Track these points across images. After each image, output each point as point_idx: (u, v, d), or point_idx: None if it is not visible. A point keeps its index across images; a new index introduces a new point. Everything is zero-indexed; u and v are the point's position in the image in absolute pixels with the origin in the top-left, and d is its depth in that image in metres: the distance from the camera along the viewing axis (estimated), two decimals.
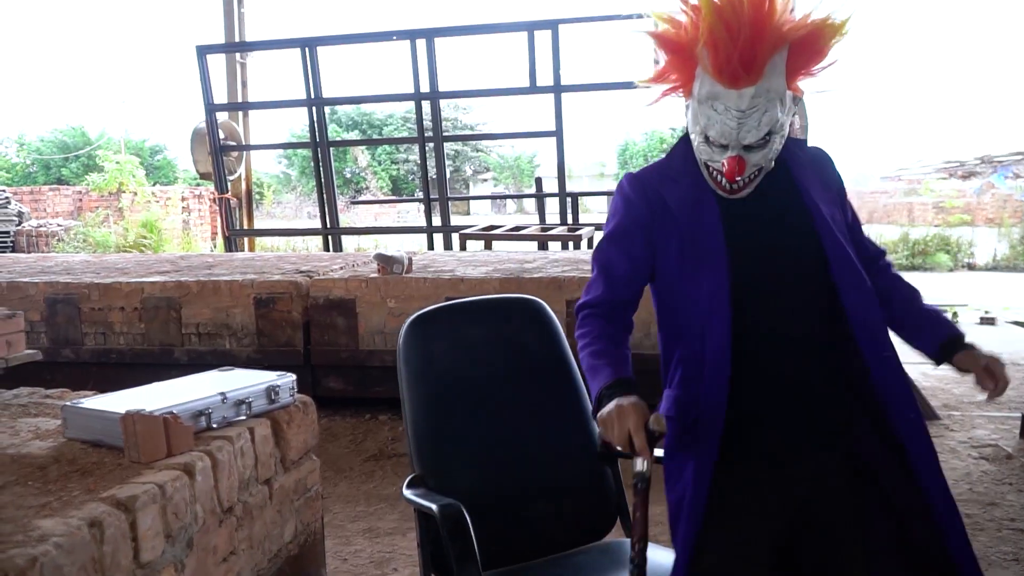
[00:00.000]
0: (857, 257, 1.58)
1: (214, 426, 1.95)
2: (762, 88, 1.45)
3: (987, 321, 8.48)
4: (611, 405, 1.50)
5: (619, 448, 1.50)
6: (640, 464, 1.48)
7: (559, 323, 2.12)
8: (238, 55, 10.50)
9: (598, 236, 1.64)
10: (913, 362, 6.23)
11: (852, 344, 1.56)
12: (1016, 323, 8.38)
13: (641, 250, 1.64)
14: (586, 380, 1.66)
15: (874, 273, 1.66)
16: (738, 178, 1.52)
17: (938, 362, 1.66)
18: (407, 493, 1.86)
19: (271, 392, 2.13)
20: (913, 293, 1.71)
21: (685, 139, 1.66)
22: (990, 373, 1.58)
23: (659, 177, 1.65)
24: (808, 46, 1.48)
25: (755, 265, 1.55)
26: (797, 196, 1.60)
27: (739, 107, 1.46)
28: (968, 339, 1.65)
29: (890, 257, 1.76)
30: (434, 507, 1.69)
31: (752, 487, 1.57)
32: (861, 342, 1.56)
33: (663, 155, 1.73)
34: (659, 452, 1.60)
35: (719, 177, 1.56)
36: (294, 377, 2.21)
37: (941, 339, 1.66)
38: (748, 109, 1.46)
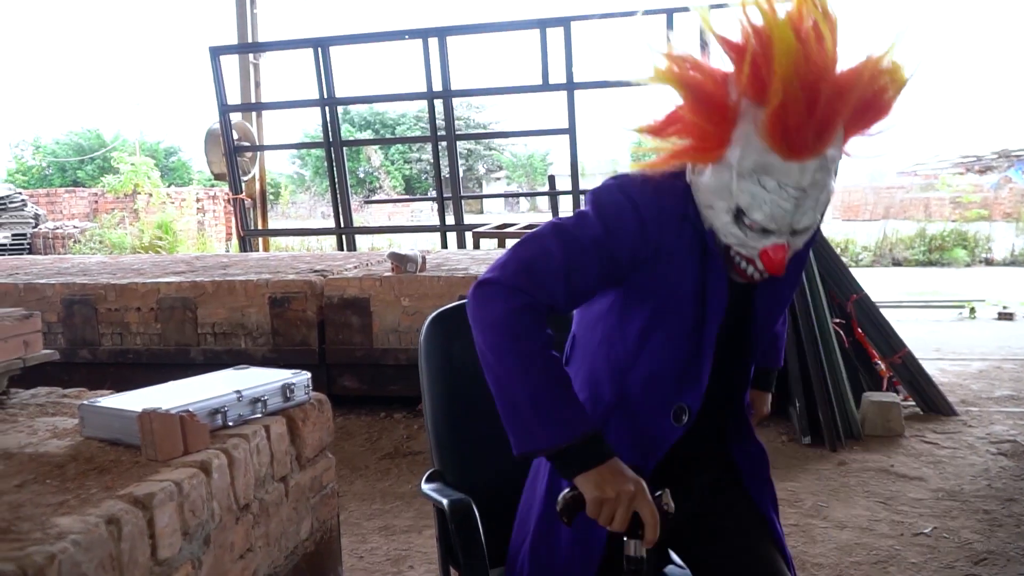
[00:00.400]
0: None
1: (230, 424, 1.96)
2: (826, 159, 1.17)
3: (1005, 316, 8.41)
4: (619, 482, 1.20)
5: (605, 525, 1.22)
6: (635, 548, 1.23)
7: None
8: (251, 56, 10.55)
9: None
10: (930, 358, 6.18)
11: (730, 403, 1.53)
12: None
13: (614, 280, 1.35)
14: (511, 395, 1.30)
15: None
16: None
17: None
18: (425, 488, 1.87)
19: (286, 390, 2.13)
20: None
21: (683, 183, 1.33)
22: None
23: (670, 213, 1.31)
24: (873, 102, 1.18)
25: (724, 336, 1.38)
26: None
27: (800, 184, 1.17)
28: (770, 379, 1.72)
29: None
30: (444, 501, 1.71)
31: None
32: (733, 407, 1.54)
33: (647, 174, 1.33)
34: None
35: (746, 266, 1.29)
36: (309, 375, 2.22)
37: (760, 367, 1.67)
38: (809, 186, 1.18)
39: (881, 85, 1.17)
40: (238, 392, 2.00)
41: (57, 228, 15.90)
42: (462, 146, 28.47)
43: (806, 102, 1.11)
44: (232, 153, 9.91)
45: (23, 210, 15.93)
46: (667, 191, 1.31)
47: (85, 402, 1.95)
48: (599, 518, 1.21)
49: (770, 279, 1.33)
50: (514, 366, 1.27)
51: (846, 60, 1.16)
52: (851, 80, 1.14)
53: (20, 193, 16.74)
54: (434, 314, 1.95)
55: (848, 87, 1.13)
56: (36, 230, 15.79)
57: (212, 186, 19.35)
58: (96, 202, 18.84)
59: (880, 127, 1.22)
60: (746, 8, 1.16)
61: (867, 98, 1.17)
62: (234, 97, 10.29)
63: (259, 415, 2.05)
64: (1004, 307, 8.78)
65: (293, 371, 2.22)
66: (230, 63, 10.24)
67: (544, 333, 1.29)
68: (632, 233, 1.29)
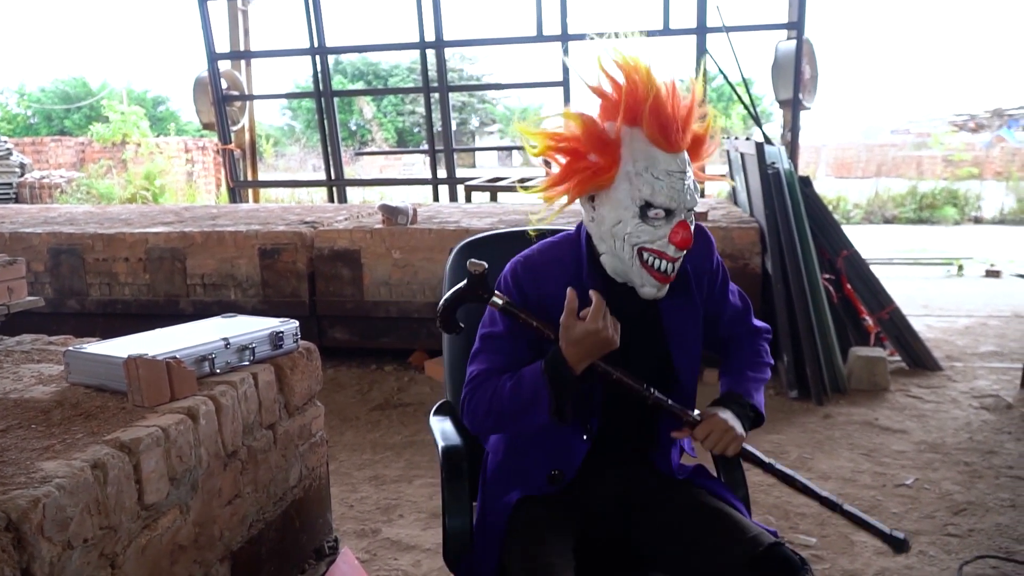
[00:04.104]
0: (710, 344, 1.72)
1: (217, 371, 1.95)
2: (685, 156, 1.51)
3: (992, 274, 8.46)
4: (576, 338, 1.43)
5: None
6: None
7: None
8: (239, 1, 10.34)
9: None
10: (917, 314, 6.22)
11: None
12: (1021, 276, 8.34)
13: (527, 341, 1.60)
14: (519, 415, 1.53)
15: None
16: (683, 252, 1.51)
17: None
18: (432, 419, 1.90)
19: (274, 338, 2.13)
20: (746, 356, 1.75)
21: (573, 239, 1.63)
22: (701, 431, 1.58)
23: (547, 273, 1.59)
24: (697, 145, 1.54)
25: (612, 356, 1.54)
26: (657, 312, 1.61)
27: (681, 168, 1.48)
28: (728, 405, 1.63)
29: (767, 337, 1.81)
30: (441, 444, 1.74)
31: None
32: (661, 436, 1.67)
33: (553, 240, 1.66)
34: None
35: (658, 263, 1.50)
36: (297, 323, 2.21)
37: (722, 392, 1.70)
38: (684, 172, 1.48)
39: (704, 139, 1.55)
40: (225, 340, 2.00)
41: (43, 177, 15.68)
42: (455, 99, 28.17)
43: (670, 111, 1.46)
44: (221, 102, 9.77)
45: (9, 159, 15.68)
46: (550, 264, 1.60)
47: (71, 348, 1.94)
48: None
49: (671, 305, 1.60)
50: (496, 415, 1.55)
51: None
52: (686, 102, 1.49)
53: (6, 142, 16.46)
54: (462, 242, 1.96)
55: (691, 105, 1.49)
56: (22, 179, 15.55)
57: (201, 136, 19.11)
58: (83, 151, 18.56)
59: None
60: (607, 65, 1.50)
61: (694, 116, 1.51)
62: (222, 45, 10.11)
63: (247, 363, 2.04)
64: (991, 265, 8.82)
65: (281, 319, 2.21)
66: (218, 9, 10.05)
67: (497, 380, 1.56)
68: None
